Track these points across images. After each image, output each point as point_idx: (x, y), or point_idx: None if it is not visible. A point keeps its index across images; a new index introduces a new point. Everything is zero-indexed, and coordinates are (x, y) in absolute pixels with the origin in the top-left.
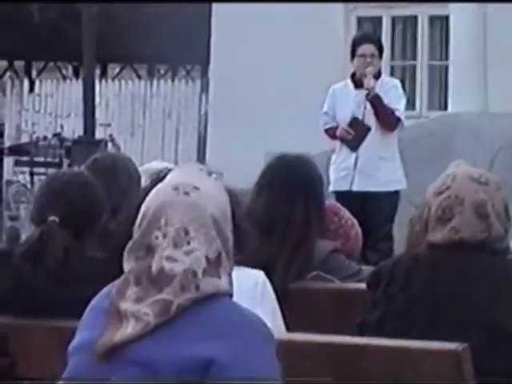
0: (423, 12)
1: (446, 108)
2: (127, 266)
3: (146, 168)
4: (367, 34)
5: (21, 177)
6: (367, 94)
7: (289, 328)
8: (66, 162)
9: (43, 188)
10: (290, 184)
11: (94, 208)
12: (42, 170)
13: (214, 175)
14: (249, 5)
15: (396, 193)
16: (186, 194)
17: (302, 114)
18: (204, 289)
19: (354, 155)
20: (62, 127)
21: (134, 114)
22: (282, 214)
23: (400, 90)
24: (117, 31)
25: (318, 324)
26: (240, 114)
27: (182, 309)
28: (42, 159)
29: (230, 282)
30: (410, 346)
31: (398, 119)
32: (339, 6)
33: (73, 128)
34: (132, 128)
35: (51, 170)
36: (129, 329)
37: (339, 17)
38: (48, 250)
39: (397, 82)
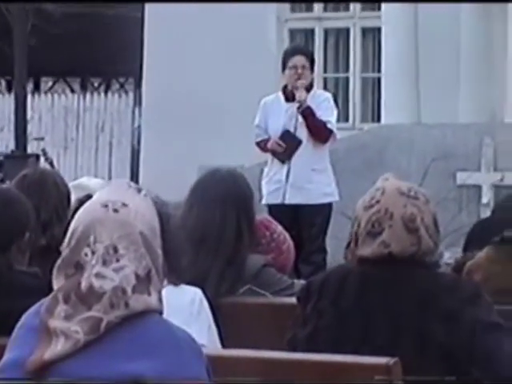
0: (355, 24)
1: (379, 120)
2: (56, 283)
3: (77, 184)
4: (298, 46)
5: None
6: (299, 107)
7: (222, 343)
8: None
9: None
10: (221, 199)
11: (16, 223)
12: None
13: (143, 192)
14: (181, 18)
15: (329, 205)
16: (115, 211)
17: (235, 126)
18: (133, 306)
19: (285, 168)
20: None
21: (67, 127)
22: (213, 228)
23: (332, 102)
24: (49, 45)
25: (250, 338)
26: (173, 127)
27: (112, 326)
28: None
29: (160, 299)
30: (341, 361)
31: (331, 131)
32: (272, 18)
33: (6, 142)
34: (65, 142)
35: None
36: (58, 346)
37: (272, 29)
38: None
39: (328, 94)
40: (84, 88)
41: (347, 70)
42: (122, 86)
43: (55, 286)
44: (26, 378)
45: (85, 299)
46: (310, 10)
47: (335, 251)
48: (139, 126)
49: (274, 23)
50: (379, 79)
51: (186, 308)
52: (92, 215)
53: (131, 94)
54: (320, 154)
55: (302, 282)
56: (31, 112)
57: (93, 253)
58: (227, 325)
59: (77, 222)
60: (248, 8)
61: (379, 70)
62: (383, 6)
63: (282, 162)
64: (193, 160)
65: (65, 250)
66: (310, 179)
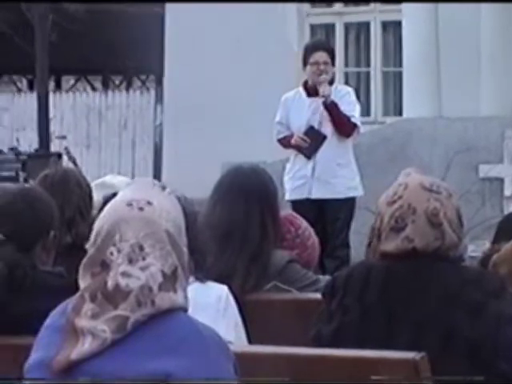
0: (376, 18)
1: (400, 113)
2: (83, 282)
3: (101, 182)
4: (320, 42)
5: None
6: (324, 102)
7: (249, 339)
8: (22, 175)
9: None
10: (245, 194)
11: (40, 222)
12: None
13: (167, 190)
14: (202, 14)
15: (352, 199)
16: (140, 209)
17: (257, 122)
18: (160, 304)
19: (311, 163)
20: (17, 140)
21: (90, 126)
22: (237, 225)
23: (353, 96)
24: (70, 42)
25: (276, 334)
26: (195, 124)
27: (139, 324)
28: None
29: (186, 297)
30: (367, 356)
31: (355, 125)
32: (292, 14)
33: (29, 141)
34: (88, 140)
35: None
36: (85, 346)
37: (292, 25)
38: None
39: (349, 89)
40: (105, 86)
41: (368, 64)
42: (143, 83)
43: (81, 284)
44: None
45: (111, 298)
46: (330, 4)
47: (358, 246)
48: (161, 124)
49: (294, 18)
50: (400, 73)
51: (212, 305)
52: (117, 214)
53: (153, 92)
54: (344, 149)
55: (327, 277)
56: (53, 111)
57: (118, 251)
58: (253, 321)
59: (102, 221)
60: (269, 4)
61: (400, 64)
62: None
63: (308, 157)
64: (215, 157)
65: (90, 248)
66: (334, 174)
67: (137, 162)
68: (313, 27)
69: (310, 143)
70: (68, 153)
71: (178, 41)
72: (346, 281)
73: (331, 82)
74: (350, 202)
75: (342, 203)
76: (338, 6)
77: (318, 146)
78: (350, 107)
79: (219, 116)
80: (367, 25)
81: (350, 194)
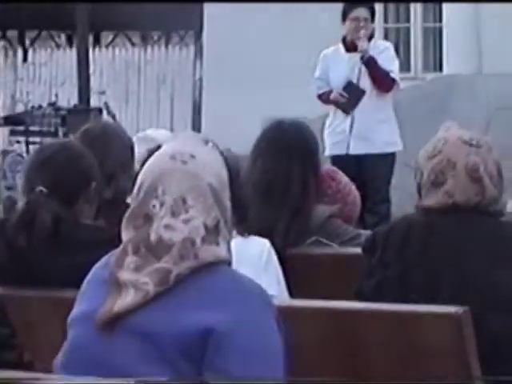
0: None
1: (441, 69)
2: (125, 235)
3: (143, 136)
4: None
5: (16, 146)
6: (362, 57)
7: (290, 293)
8: (61, 130)
9: (31, 159)
10: (286, 149)
11: (80, 176)
12: (37, 139)
13: (210, 144)
14: None
15: (392, 155)
16: (184, 162)
17: (297, 77)
18: (203, 257)
19: (349, 119)
20: (56, 96)
21: (129, 81)
22: (279, 179)
23: (392, 52)
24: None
25: (318, 288)
26: (234, 80)
27: (182, 277)
28: (37, 128)
29: (229, 250)
30: (410, 310)
31: (393, 80)
32: None
33: (68, 96)
34: (126, 95)
35: (47, 139)
36: (128, 298)
37: None
38: (36, 219)
39: (388, 44)
40: (144, 41)
41: (408, 19)
42: (181, 38)
43: (124, 237)
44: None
45: (154, 251)
46: None
47: (399, 201)
48: (200, 79)
49: None
50: (440, 29)
51: (255, 259)
52: (160, 167)
53: (192, 47)
54: (383, 104)
55: (368, 232)
56: (92, 66)
57: (161, 204)
58: (294, 275)
59: (145, 174)
60: None
61: (440, 20)
62: None
63: (346, 112)
64: (255, 112)
65: (133, 201)
66: (373, 129)
67: (175, 116)
68: None
69: (349, 98)
70: (107, 108)
71: None
72: (387, 236)
73: (370, 38)
74: (389, 158)
75: (381, 158)
76: None
77: (357, 101)
78: (389, 62)
79: (259, 71)
80: None
81: (389, 150)
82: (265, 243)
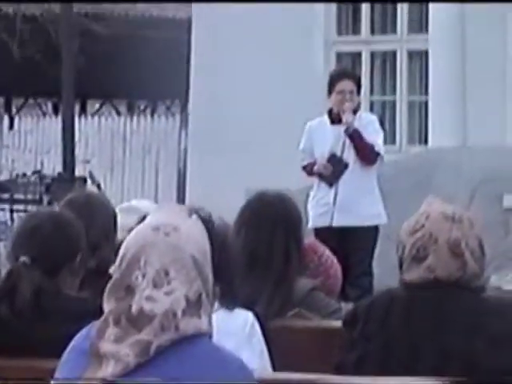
0: (402, 47)
1: (426, 142)
2: (107, 306)
3: (127, 206)
4: (345, 70)
5: (1, 214)
6: (346, 129)
7: (273, 366)
8: (46, 198)
9: (18, 227)
10: (270, 221)
11: (68, 246)
12: (21, 207)
13: (194, 216)
14: (228, 40)
15: (375, 228)
16: (167, 234)
17: (280, 149)
18: (184, 329)
19: (333, 191)
20: (42, 164)
21: (114, 150)
22: (262, 250)
23: (377, 124)
24: (96, 67)
25: (299, 361)
26: (219, 150)
27: (162, 349)
28: (21, 196)
29: (210, 323)
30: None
31: (378, 154)
32: (319, 42)
33: (53, 164)
34: (111, 164)
35: (31, 207)
36: (109, 369)
37: (319, 52)
38: (17, 290)
39: (373, 117)
40: (130, 110)
41: (394, 92)
42: (168, 108)
43: (106, 308)
44: None
45: (135, 322)
46: (357, 32)
47: (381, 275)
48: (185, 149)
49: (321, 46)
50: (426, 102)
51: (238, 332)
52: (143, 239)
53: (178, 116)
54: (367, 177)
55: (350, 305)
56: (78, 134)
57: (143, 276)
58: (276, 347)
59: (127, 246)
60: (295, 30)
61: (426, 93)
62: (430, 28)
63: (330, 184)
64: (239, 183)
65: (115, 273)
66: (357, 201)
67: (160, 186)
68: (339, 55)
69: (332, 171)
70: (92, 177)
71: (203, 66)
72: (368, 310)
73: (356, 111)
74: (372, 230)
75: (364, 231)
76: (364, 35)
77: (340, 173)
78: (373, 135)
79: (244, 142)
80: (393, 53)
81: (373, 222)
82: (248, 315)
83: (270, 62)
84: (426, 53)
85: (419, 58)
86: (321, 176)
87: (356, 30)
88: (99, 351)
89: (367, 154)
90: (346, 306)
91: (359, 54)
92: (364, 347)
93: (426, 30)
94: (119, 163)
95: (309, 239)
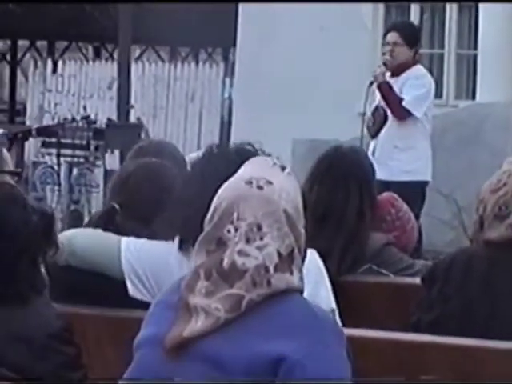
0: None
1: (473, 97)
2: (197, 259)
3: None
4: (394, 22)
5: (47, 158)
6: (371, 83)
7: (342, 321)
8: (93, 144)
9: (113, 177)
10: (344, 175)
11: (159, 195)
12: (68, 151)
13: (286, 170)
14: None
15: (416, 183)
16: (260, 188)
17: (329, 99)
18: (276, 285)
19: (373, 144)
20: (84, 108)
21: (157, 96)
22: (336, 204)
23: (419, 81)
24: (138, 13)
25: (370, 317)
26: (265, 99)
27: (253, 304)
28: (69, 141)
29: (302, 279)
30: (471, 345)
31: (406, 110)
32: None
33: (95, 109)
34: (154, 110)
35: (78, 152)
36: (198, 324)
37: (367, 4)
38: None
39: (420, 73)
40: (173, 57)
41: (442, 46)
42: (209, 55)
43: (196, 261)
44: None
45: (227, 276)
46: None
47: (429, 229)
48: (229, 97)
49: None
50: (475, 56)
51: (311, 270)
52: (236, 192)
53: (222, 64)
54: (405, 132)
55: (423, 261)
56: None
57: (236, 230)
58: (347, 303)
59: (220, 198)
60: None
61: (475, 47)
62: None
63: (372, 136)
64: (285, 133)
65: (207, 225)
66: (391, 156)
67: (203, 134)
68: (387, 7)
69: (374, 123)
70: (140, 123)
71: (250, 15)
72: (447, 269)
73: (407, 64)
74: (412, 186)
75: (400, 186)
76: None
77: (381, 126)
78: (408, 90)
79: (290, 91)
80: (443, 6)
81: (405, 178)
82: (313, 252)
83: (317, 12)
84: (476, 6)
85: (468, 12)
86: (367, 128)
87: None
88: (189, 305)
89: (394, 110)
90: (419, 263)
91: (408, 6)
92: (442, 308)
93: None
94: (162, 110)
95: (387, 193)
